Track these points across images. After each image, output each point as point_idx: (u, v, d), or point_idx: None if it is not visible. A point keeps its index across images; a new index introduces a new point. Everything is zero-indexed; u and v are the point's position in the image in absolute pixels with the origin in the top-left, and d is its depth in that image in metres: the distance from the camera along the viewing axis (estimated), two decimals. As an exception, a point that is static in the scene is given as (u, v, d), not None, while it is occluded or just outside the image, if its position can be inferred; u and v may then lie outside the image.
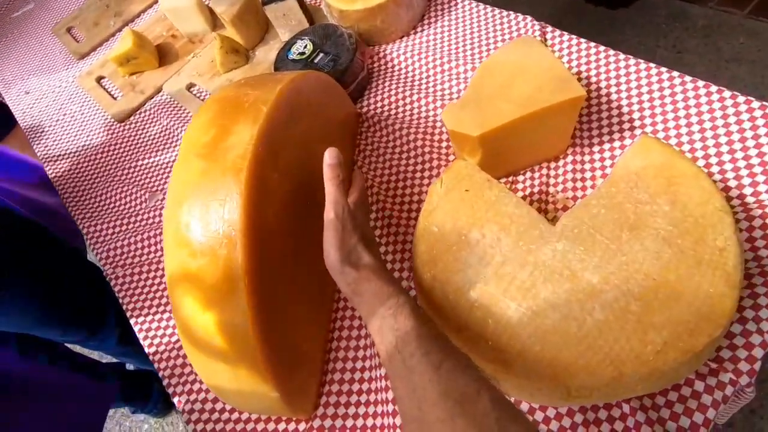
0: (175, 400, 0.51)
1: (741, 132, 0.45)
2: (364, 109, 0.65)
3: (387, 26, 0.68)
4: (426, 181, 0.55)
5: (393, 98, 0.64)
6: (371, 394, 0.45)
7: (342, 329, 0.49)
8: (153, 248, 0.65)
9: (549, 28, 0.61)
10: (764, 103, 0.45)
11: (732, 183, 0.43)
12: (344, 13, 0.67)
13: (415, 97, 0.62)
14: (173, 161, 0.73)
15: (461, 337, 0.36)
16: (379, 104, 0.65)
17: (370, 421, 0.44)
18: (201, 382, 0.51)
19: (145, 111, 0.82)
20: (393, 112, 0.63)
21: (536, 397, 0.37)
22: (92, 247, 0.69)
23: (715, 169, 0.44)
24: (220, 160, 0.37)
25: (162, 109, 0.80)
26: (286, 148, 0.42)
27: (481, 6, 0.68)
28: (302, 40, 0.66)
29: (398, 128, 0.61)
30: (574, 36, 0.59)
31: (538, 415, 0.38)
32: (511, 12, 0.65)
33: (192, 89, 0.79)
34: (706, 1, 1.52)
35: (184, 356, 0.54)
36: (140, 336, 0.58)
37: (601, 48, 0.57)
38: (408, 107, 0.63)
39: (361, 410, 0.45)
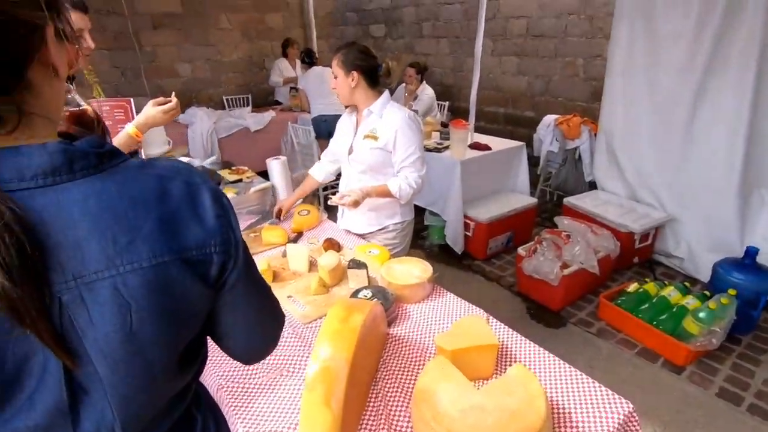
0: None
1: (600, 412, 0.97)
2: (392, 332, 1.19)
3: (412, 294, 1.30)
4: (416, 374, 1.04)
5: (406, 332, 1.19)
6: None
7: (367, 419, 0.88)
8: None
9: (491, 318, 1.21)
10: (629, 404, 0.95)
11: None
12: (390, 284, 1.30)
13: (418, 331, 1.17)
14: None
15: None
16: (398, 332, 1.19)
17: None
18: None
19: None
20: (405, 338, 1.17)
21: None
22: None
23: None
24: (347, 333, 0.89)
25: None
26: (367, 332, 0.94)
27: (454, 297, 1.32)
28: (366, 290, 1.27)
29: (406, 349, 1.13)
30: (503, 325, 1.19)
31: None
32: (468, 303, 1.28)
33: (290, 299, 1.36)
34: (608, 338, 2.25)
35: None
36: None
37: (520, 337, 1.15)
38: (413, 335, 1.17)
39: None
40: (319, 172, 1.91)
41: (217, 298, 0.53)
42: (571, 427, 0.89)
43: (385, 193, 1.63)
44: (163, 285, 0.45)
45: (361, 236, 1.76)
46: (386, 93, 1.66)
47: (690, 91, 2.58)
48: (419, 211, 3.22)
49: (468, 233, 3.03)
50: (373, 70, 1.60)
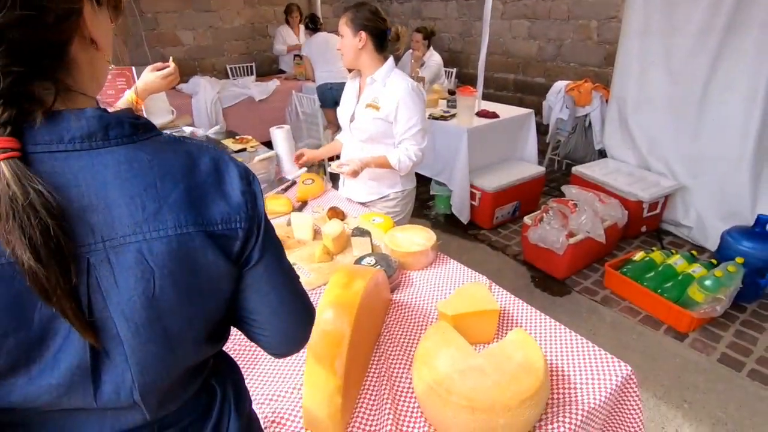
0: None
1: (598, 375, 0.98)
2: (395, 299, 1.21)
3: (414, 262, 1.31)
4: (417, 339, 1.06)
5: (409, 298, 1.21)
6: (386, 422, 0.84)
7: (369, 381, 0.91)
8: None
9: (494, 285, 1.22)
10: (627, 367, 0.95)
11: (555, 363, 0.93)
12: (394, 251, 1.31)
13: (420, 298, 1.19)
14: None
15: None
16: (401, 299, 1.21)
17: (372, 443, 0.81)
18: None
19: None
20: (408, 304, 1.18)
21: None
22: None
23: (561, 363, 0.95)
24: (349, 298, 0.90)
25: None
26: (369, 298, 0.95)
27: (457, 265, 1.33)
28: (370, 257, 1.28)
29: (408, 315, 1.15)
30: (506, 292, 1.19)
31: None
32: (471, 270, 1.28)
33: (294, 266, 1.37)
34: (612, 306, 2.26)
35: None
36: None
37: (523, 303, 1.16)
38: (416, 301, 1.18)
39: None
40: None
41: (241, 277, 0.53)
42: (570, 389, 0.90)
43: (384, 164, 1.62)
44: (185, 255, 0.46)
45: (363, 204, 1.76)
46: (391, 60, 1.62)
47: (707, 54, 2.47)
48: (425, 181, 3.21)
49: (474, 203, 3.02)
50: (382, 33, 1.55)
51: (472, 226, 3.11)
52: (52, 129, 0.41)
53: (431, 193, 3.27)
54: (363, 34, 1.52)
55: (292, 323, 0.60)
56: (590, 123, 3.46)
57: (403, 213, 1.79)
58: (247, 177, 0.51)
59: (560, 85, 3.54)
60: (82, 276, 0.42)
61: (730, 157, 2.50)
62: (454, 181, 2.98)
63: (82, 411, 0.47)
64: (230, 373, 0.65)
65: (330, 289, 0.92)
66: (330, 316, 0.86)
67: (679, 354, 1.99)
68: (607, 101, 3.28)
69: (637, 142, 2.98)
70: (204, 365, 0.58)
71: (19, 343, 0.41)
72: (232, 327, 0.59)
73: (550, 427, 0.83)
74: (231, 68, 5.42)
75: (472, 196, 3.00)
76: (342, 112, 1.73)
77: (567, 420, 0.84)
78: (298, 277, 0.62)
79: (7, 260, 0.39)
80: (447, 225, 3.18)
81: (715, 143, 2.57)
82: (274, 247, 0.55)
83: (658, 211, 2.83)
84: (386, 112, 1.57)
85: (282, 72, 5.21)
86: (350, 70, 1.69)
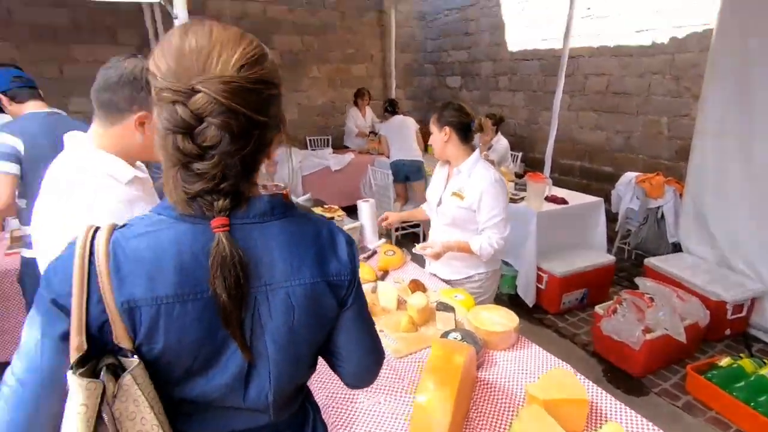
0: None
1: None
2: (479, 377, 1.26)
3: (498, 341, 1.36)
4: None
5: (494, 377, 1.25)
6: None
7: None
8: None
9: (578, 374, 1.24)
10: None
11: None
12: (478, 329, 1.38)
13: (505, 378, 1.23)
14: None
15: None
16: (485, 377, 1.26)
17: None
18: None
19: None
20: (493, 384, 1.23)
21: None
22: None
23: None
24: (451, 372, 0.99)
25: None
26: (465, 372, 1.03)
27: (538, 348, 1.36)
28: (455, 332, 1.36)
29: (495, 394, 1.19)
30: (589, 381, 1.21)
31: None
32: (553, 356, 1.31)
33: (381, 332, 1.47)
34: (697, 415, 2.09)
35: None
36: None
37: (607, 395, 1.16)
38: (501, 381, 1.22)
39: None
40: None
41: (338, 317, 0.69)
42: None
43: (466, 250, 1.73)
44: (314, 297, 0.63)
45: (447, 282, 1.86)
46: (477, 152, 1.77)
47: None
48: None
49: (541, 285, 3.01)
50: (466, 126, 1.74)
51: (537, 309, 3.07)
52: (245, 210, 0.59)
53: (495, 271, 3.30)
54: (447, 129, 1.72)
55: (366, 359, 0.75)
56: (663, 215, 3.42)
57: (487, 293, 1.87)
58: (351, 243, 0.69)
59: (630, 176, 3.58)
60: (249, 310, 0.59)
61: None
62: (522, 262, 3.02)
63: (231, 409, 0.64)
64: (315, 404, 0.82)
65: (433, 360, 1.01)
66: (433, 387, 0.94)
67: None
68: (681, 195, 3.25)
69: (716, 239, 2.89)
70: (303, 388, 0.77)
71: (206, 352, 0.58)
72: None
73: None
74: (310, 140, 6.01)
75: (539, 278, 3.00)
76: (430, 196, 1.90)
77: None
78: (374, 323, 0.78)
79: (207, 295, 0.55)
80: (511, 306, 3.10)
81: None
82: (361, 297, 0.72)
83: (743, 314, 2.65)
84: (470, 202, 1.71)
85: (346, 147, 5.55)
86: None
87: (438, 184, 1.87)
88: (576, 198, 3.29)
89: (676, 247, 3.29)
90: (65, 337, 0.52)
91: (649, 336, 2.27)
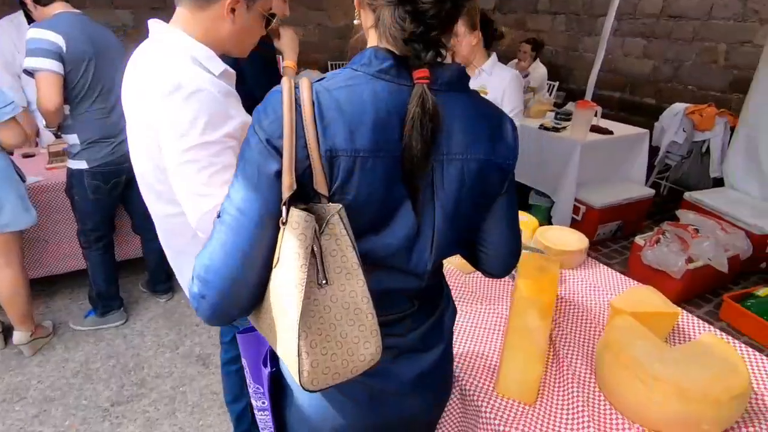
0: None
1: None
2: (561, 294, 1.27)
3: (568, 260, 1.37)
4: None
5: (569, 294, 1.27)
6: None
7: (549, 364, 0.98)
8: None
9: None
10: None
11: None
12: (548, 248, 1.38)
13: (582, 295, 1.25)
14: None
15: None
16: (565, 294, 1.27)
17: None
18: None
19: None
20: (569, 299, 1.25)
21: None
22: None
23: None
24: (548, 278, 0.99)
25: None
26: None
27: (607, 269, 1.36)
28: (533, 246, 1.36)
29: (573, 308, 1.21)
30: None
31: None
32: (626, 277, 1.32)
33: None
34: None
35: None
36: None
37: (690, 315, 1.18)
38: (576, 297, 1.24)
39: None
40: None
41: (495, 200, 0.69)
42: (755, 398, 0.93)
43: None
44: (483, 176, 0.64)
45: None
46: (494, 55, 1.91)
47: None
48: (524, 190, 3.22)
49: (576, 217, 2.99)
50: (490, 31, 1.81)
51: (570, 240, 3.08)
52: (432, 74, 0.57)
53: (530, 202, 3.28)
54: (478, 32, 1.74)
55: (509, 248, 0.76)
56: (707, 149, 3.30)
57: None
58: (515, 129, 0.68)
59: (679, 107, 3.40)
60: (428, 174, 0.61)
61: None
62: (560, 193, 2.98)
63: (394, 269, 0.66)
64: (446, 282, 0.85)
65: (527, 269, 1.01)
66: (534, 291, 0.95)
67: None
68: (732, 128, 3.12)
69: (765, 174, 2.81)
70: (441, 267, 0.78)
71: (385, 210, 0.60)
72: None
73: (744, 430, 0.86)
74: (332, 64, 5.72)
75: (575, 210, 2.98)
76: None
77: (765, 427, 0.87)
78: (518, 209, 0.77)
79: (396, 154, 0.57)
80: (543, 236, 3.17)
81: None
82: (514, 187, 0.72)
83: (783, 248, 2.65)
84: (493, 96, 1.82)
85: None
86: None
87: None
88: (621, 129, 3.17)
89: (717, 182, 3.22)
90: (278, 175, 0.54)
91: (691, 266, 2.28)
